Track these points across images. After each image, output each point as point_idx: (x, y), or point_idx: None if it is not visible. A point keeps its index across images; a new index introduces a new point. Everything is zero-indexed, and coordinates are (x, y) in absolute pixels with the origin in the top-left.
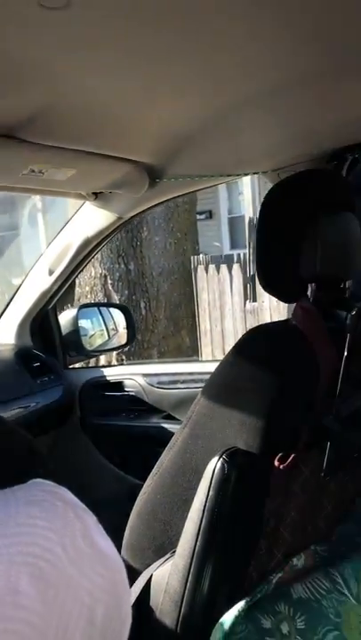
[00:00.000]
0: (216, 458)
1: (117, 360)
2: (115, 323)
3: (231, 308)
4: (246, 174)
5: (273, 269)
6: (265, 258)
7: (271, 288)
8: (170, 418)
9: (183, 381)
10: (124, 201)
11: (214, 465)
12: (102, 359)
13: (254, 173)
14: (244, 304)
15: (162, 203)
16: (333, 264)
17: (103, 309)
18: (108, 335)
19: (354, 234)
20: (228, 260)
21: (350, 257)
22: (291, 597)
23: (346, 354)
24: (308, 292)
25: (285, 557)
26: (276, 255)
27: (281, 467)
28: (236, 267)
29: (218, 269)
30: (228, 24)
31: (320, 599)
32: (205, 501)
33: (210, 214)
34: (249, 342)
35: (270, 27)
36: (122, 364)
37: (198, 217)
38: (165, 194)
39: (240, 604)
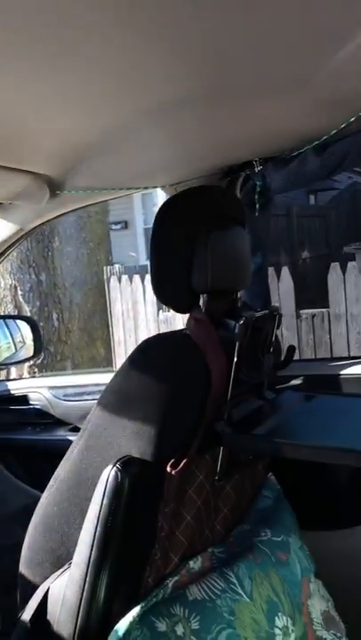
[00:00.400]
0: (110, 467)
1: (29, 373)
2: (22, 335)
3: (145, 317)
4: (146, 188)
5: (166, 281)
6: (158, 270)
7: (165, 299)
8: (77, 430)
9: (90, 393)
10: (25, 212)
11: (108, 474)
12: (13, 372)
13: (153, 187)
14: (158, 314)
15: (65, 214)
16: (224, 277)
17: (9, 321)
18: (16, 348)
19: (243, 247)
20: (143, 271)
21: (240, 270)
22: (186, 599)
23: (235, 360)
24: (201, 303)
25: (182, 561)
26: (169, 268)
27: (173, 472)
28: (149, 277)
29: (131, 279)
30: (112, 38)
31: (215, 599)
32: (100, 510)
33: (125, 225)
34: (142, 352)
35: (158, 43)
36: (34, 377)
37: (114, 227)
38: (67, 205)
39: (135, 610)
